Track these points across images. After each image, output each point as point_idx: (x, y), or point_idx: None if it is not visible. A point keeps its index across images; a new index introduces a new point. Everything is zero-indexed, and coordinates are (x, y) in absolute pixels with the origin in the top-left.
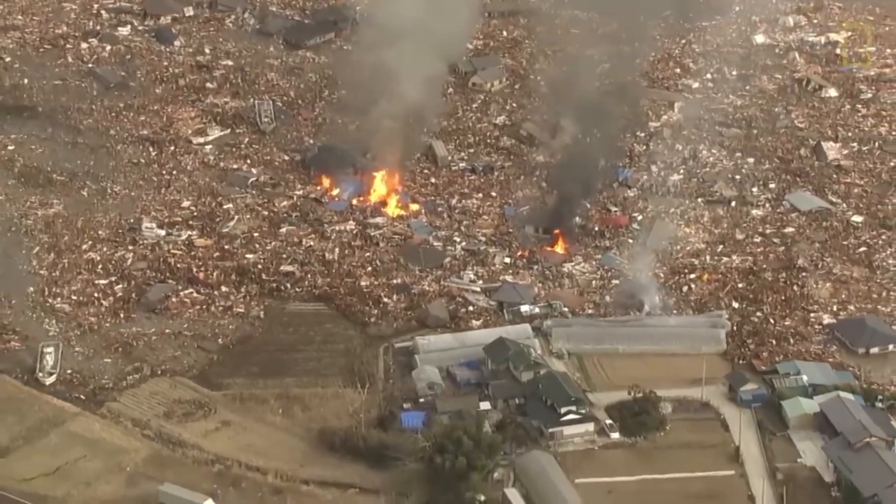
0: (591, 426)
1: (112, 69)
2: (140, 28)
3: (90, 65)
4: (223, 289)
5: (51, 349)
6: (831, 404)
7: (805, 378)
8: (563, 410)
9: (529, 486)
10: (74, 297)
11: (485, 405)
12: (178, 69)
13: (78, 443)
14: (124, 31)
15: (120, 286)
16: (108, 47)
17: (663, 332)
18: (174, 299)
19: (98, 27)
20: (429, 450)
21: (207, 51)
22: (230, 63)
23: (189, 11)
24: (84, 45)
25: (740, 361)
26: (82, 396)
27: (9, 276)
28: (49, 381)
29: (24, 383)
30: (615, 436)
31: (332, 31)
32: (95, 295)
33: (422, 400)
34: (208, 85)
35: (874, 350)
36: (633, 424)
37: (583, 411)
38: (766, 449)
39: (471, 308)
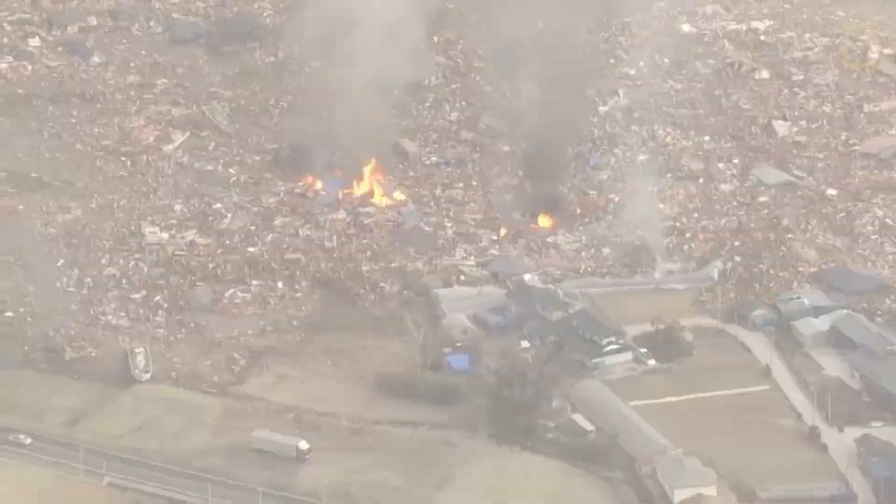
0: (629, 355)
1: None
2: (49, 39)
3: (20, 90)
4: (253, 283)
5: (140, 350)
6: (844, 320)
7: (807, 301)
8: (604, 342)
9: (589, 412)
10: (123, 314)
11: (524, 344)
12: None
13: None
14: (34, 42)
15: (157, 297)
16: (29, 66)
17: None
18: (224, 301)
19: (5, 39)
20: (498, 385)
21: (133, 66)
22: (165, 81)
23: (93, 21)
24: (3, 65)
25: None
26: (211, 389)
27: (54, 291)
28: (145, 377)
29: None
30: (651, 363)
31: (254, 40)
32: (141, 311)
33: (458, 345)
34: (145, 95)
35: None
36: (664, 352)
37: (622, 342)
38: (791, 366)
39: (462, 277)
